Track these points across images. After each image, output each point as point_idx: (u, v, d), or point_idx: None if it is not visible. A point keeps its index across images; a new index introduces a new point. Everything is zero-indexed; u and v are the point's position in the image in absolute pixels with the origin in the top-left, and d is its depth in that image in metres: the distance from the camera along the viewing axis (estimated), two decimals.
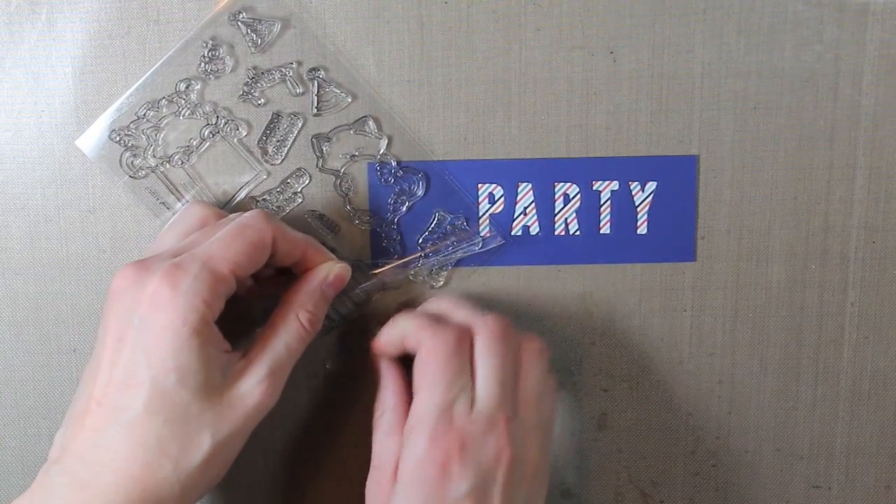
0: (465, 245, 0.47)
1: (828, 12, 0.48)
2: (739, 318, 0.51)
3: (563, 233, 0.50)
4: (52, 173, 0.50)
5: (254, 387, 0.41)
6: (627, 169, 0.50)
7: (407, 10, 0.48)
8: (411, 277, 0.48)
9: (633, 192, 0.50)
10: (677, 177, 0.50)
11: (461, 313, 0.46)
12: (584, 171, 0.50)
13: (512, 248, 0.50)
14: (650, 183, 0.50)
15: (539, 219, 0.50)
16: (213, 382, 0.40)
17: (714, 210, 0.50)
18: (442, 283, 0.48)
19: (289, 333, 0.42)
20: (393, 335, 0.46)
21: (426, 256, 0.48)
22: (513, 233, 0.50)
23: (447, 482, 0.40)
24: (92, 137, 0.48)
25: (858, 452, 0.52)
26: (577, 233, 0.50)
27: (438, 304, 0.48)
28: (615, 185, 0.50)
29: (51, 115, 0.49)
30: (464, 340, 0.44)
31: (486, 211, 0.50)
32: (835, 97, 0.49)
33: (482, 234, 0.47)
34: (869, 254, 0.50)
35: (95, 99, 0.49)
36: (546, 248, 0.51)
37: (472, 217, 0.50)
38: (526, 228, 0.50)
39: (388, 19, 0.48)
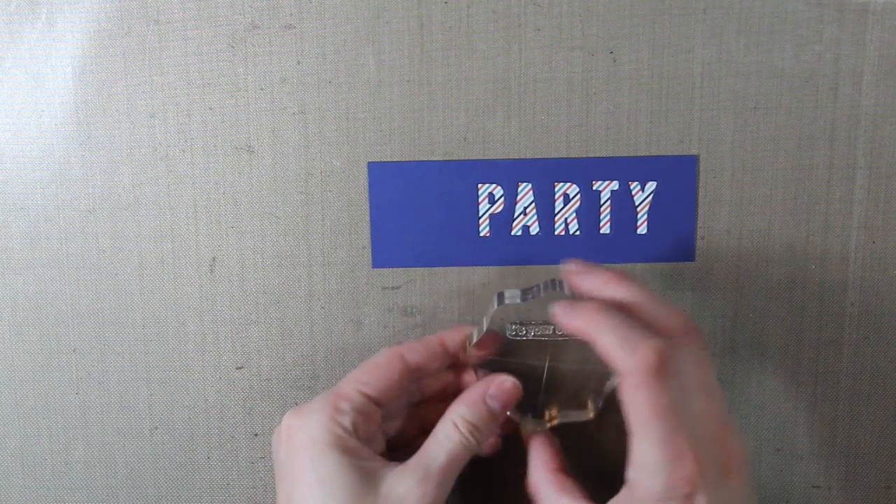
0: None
1: (828, 12, 0.48)
2: (739, 318, 0.51)
3: (563, 233, 0.50)
4: (52, 173, 0.50)
5: (409, 490, 0.42)
6: (627, 169, 0.50)
7: (407, 10, 0.48)
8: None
9: (633, 192, 0.50)
10: (677, 177, 0.50)
11: (651, 310, 0.43)
12: (584, 171, 0.50)
13: (512, 248, 0.50)
14: (650, 183, 0.50)
15: (539, 219, 0.50)
16: (361, 490, 0.42)
17: (714, 210, 0.50)
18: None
19: (449, 441, 0.44)
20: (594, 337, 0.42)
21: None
22: (513, 233, 0.50)
23: None
24: None
25: (858, 452, 0.52)
26: (577, 233, 0.50)
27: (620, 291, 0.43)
28: (615, 185, 0.50)
29: (51, 115, 0.49)
30: (673, 360, 0.40)
31: (486, 211, 0.50)
32: (835, 97, 0.49)
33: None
34: (869, 254, 0.50)
35: (95, 99, 0.49)
36: (546, 248, 0.51)
37: (472, 217, 0.50)
38: (526, 228, 0.50)
39: (388, 19, 0.48)
